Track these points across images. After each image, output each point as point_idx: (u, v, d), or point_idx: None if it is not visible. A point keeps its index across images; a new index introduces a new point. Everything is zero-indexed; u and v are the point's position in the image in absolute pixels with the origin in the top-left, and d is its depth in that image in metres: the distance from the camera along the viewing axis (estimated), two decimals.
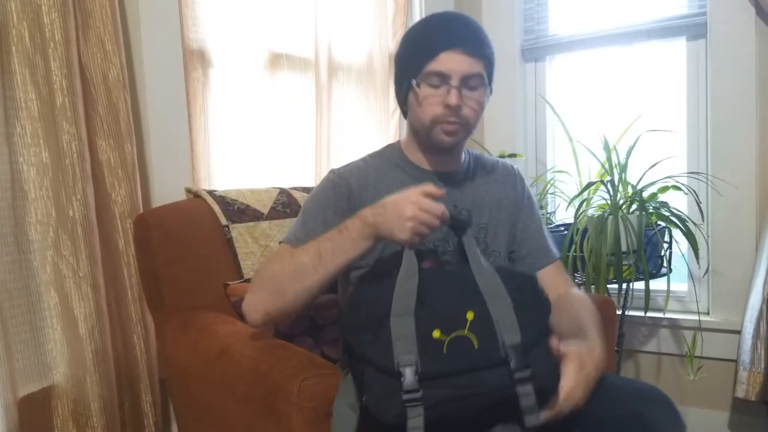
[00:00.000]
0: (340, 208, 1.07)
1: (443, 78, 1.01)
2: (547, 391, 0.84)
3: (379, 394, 0.80)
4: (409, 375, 0.79)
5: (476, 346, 0.82)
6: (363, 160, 1.16)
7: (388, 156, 1.15)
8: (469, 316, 0.84)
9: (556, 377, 0.86)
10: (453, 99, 1.00)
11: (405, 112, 1.12)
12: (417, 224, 0.89)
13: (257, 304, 0.99)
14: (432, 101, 1.02)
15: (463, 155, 1.16)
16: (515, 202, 1.17)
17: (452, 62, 1.00)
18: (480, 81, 1.03)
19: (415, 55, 1.03)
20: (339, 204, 1.07)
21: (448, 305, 0.86)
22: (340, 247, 0.95)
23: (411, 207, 0.89)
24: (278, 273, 1.00)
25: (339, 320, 0.98)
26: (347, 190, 1.09)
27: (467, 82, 1.02)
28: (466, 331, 0.83)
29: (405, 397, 0.78)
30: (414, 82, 1.02)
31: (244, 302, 1.02)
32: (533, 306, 0.89)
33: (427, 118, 1.04)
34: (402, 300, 0.85)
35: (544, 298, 0.91)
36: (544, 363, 0.84)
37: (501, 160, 1.24)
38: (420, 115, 1.05)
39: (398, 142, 1.18)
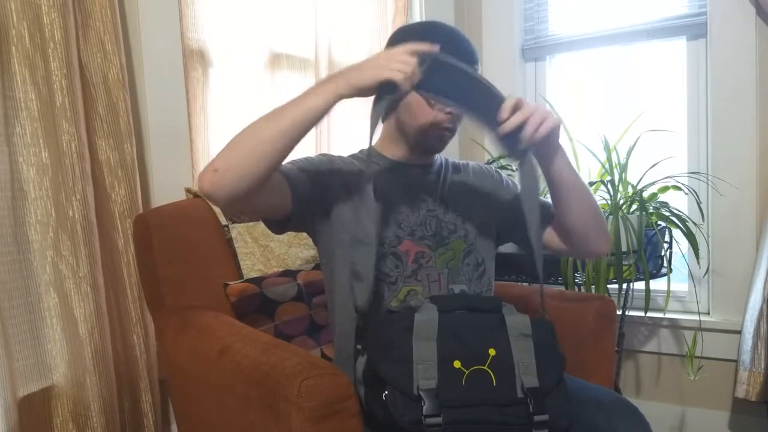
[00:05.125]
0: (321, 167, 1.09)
1: None
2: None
3: (402, 409, 0.83)
4: (429, 400, 0.82)
5: (495, 383, 0.85)
6: (339, 157, 1.18)
7: (361, 156, 1.18)
8: (491, 353, 0.87)
9: (570, 423, 0.89)
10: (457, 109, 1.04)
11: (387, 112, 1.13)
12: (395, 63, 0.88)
13: (210, 164, 0.92)
14: (435, 107, 1.06)
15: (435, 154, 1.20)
16: (494, 187, 1.22)
17: None
18: None
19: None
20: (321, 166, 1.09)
21: (471, 339, 0.89)
22: (302, 98, 0.92)
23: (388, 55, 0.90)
24: (235, 137, 0.94)
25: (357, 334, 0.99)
26: (333, 164, 1.11)
27: None
28: (486, 366, 0.86)
29: (427, 421, 0.81)
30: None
31: (203, 178, 0.93)
32: (552, 355, 0.92)
33: (426, 121, 1.07)
34: (424, 325, 0.88)
35: (560, 352, 0.95)
36: (560, 410, 0.87)
37: (470, 161, 1.28)
38: (418, 117, 1.08)
39: (369, 146, 1.17)
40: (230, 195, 0.91)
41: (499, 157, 2.01)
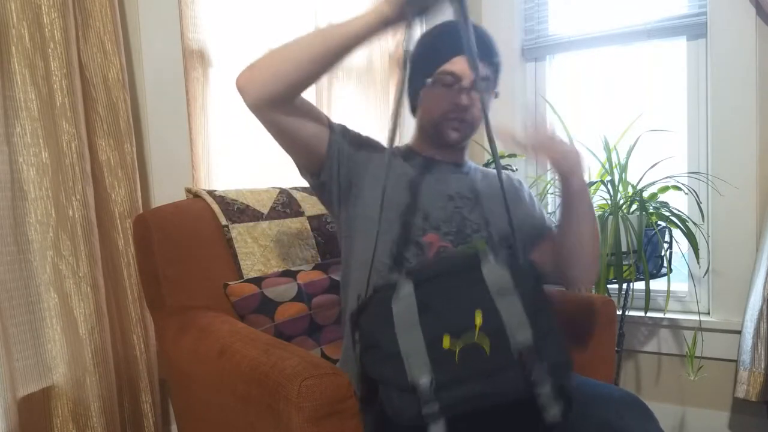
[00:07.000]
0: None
1: (455, 78, 1.09)
2: (563, 383, 0.83)
3: (398, 406, 0.82)
4: (424, 389, 0.80)
5: (488, 352, 0.82)
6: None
7: (398, 152, 1.22)
8: (478, 317, 0.84)
9: (570, 368, 0.86)
10: (464, 100, 1.10)
11: (414, 109, 1.20)
12: None
13: (251, 70, 1.00)
14: (443, 98, 1.11)
15: (467, 156, 1.25)
16: (517, 199, 1.24)
17: (464, 65, 1.08)
18: (487, 85, 1.12)
19: (430, 57, 1.11)
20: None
21: (455, 310, 0.86)
22: (349, 19, 0.95)
23: None
24: (279, 45, 1.00)
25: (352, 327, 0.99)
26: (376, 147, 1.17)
27: (476, 84, 1.08)
28: (476, 337, 0.83)
29: (424, 411, 0.79)
30: (429, 80, 1.11)
31: (239, 75, 1.01)
32: (540, 303, 0.89)
33: (436, 113, 1.13)
34: (404, 315, 0.86)
35: (546, 296, 0.92)
36: (556, 356, 0.84)
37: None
38: (430, 109, 1.14)
39: (406, 144, 1.25)
40: (259, 92, 0.98)
41: (499, 156, 2.01)
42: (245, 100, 1.00)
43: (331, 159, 1.10)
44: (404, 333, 0.84)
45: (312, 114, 1.08)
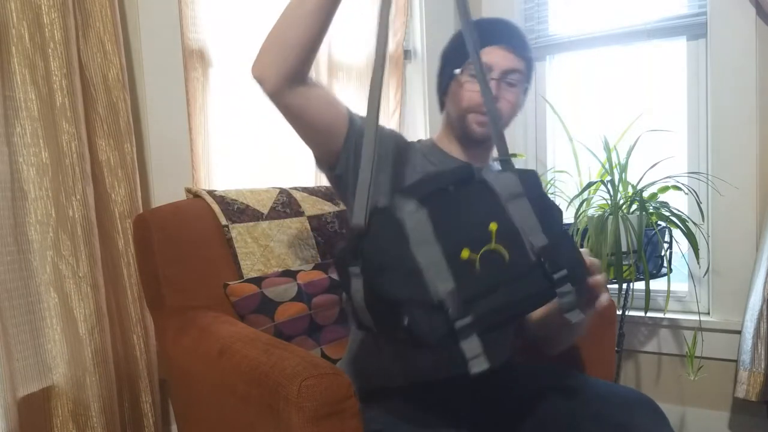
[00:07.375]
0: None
1: (486, 68, 1.05)
2: (582, 285, 0.85)
3: (427, 325, 0.76)
4: (452, 304, 0.76)
5: (507, 258, 0.80)
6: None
7: (417, 146, 1.19)
8: (493, 227, 0.82)
9: (585, 268, 0.87)
10: (492, 90, 1.03)
11: (443, 104, 1.19)
12: None
13: (261, 54, 1.00)
14: (471, 89, 1.08)
15: (491, 158, 1.21)
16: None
17: (495, 56, 1.07)
18: (519, 78, 1.10)
19: (460, 48, 1.07)
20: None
21: (466, 220, 0.83)
22: None
23: None
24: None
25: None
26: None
27: (506, 77, 1.09)
28: (493, 244, 0.80)
29: (457, 326, 0.75)
30: (457, 70, 1.09)
31: (252, 66, 1.01)
32: (548, 205, 0.88)
33: (463, 105, 1.10)
34: (419, 229, 0.80)
35: (551, 200, 0.92)
36: (573, 258, 0.84)
37: None
38: (457, 102, 1.11)
39: (429, 138, 1.23)
40: (278, 70, 0.97)
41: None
42: (266, 88, 0.99)
43: (348, 151, 1.06)
44: (421, 248, 0.79)
45: (332, 104, 1.06)
